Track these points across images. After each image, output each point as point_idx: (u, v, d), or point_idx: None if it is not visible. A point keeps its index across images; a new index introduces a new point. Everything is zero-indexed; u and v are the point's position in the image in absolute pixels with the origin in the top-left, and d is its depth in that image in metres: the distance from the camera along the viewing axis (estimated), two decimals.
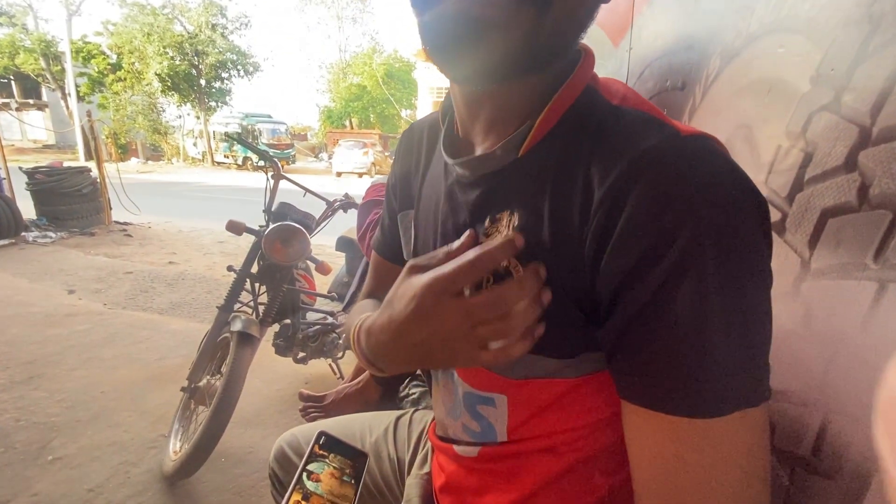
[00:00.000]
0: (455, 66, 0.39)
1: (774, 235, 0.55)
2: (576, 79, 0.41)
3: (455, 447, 0.58)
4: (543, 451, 0.50)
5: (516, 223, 0.42)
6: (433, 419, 0.68)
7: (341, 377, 2.38)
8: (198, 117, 21.91)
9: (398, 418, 0.87)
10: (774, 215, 0.55)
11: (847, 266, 0.46)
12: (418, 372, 1.18)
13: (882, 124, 0.42)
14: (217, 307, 1.91)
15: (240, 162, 20.19)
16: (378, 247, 0.69)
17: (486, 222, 0.45)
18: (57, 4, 21.05)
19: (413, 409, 0.89)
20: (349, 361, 2.49)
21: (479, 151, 0.47)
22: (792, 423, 0.52)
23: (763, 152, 0.57)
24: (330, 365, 2.42)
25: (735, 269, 0.33)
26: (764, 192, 0.57)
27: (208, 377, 1.84)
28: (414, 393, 1.15)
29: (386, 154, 22.38)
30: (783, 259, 0.54)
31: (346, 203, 2.31)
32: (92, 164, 6.76)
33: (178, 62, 20.06)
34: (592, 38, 1.13)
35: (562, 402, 0.47)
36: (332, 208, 2.31)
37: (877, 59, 0.43)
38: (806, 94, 0.50)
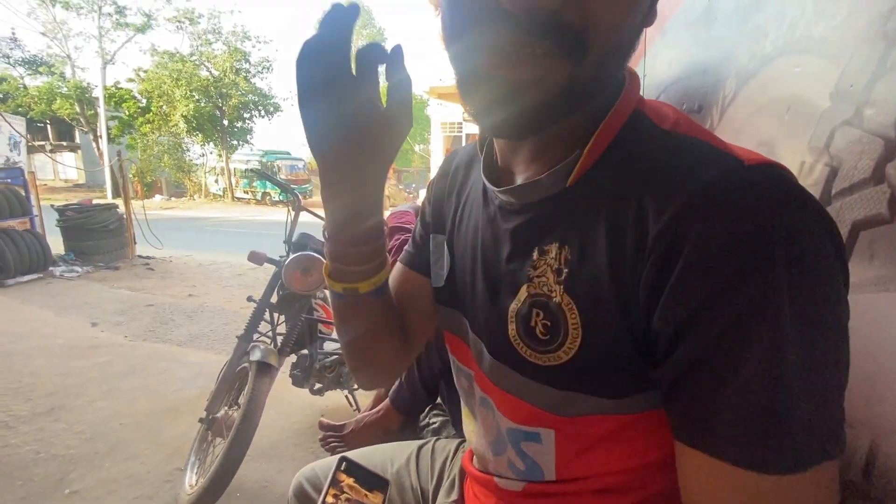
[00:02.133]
0: (495, 126, 0.39)
1: None
2: (623, 104, 0.40)
3: (496, 479, 0.55)
4: (594, 493, 0.47)
5: (568, 257, 0.41)
6: (468, 448, 0.66)
7: (357, 409, 2.35)
8: (220, 155, 22.78)
9: (420, 448, 0.85)
10: None
11: (884, 279, 0.45)
12: (439, 400, 1.17)
13: None
14: (237, 337, 1.93)
15: (259, 197, 20.77)
16: (405, 258, 0.67)
17: (535, 254, 0.43)
18: (93, 55, 22.52)
19: (435, 439, 0.87)
20: (366, 394, 2.46)
21: (520, 180, 0.46)
22: None
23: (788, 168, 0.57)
24: (346, 396, 2.40)
25: (814, 313, 0.31)
26: None
27: (226, 408, 1.83)
28: (435, 422, 1.13)
29: (400, 187, 22.80)
30: None
31: None
32: (119, 202, 7.03)
33: (203, 104, 21.10)
34: None
35: (613, 439, 0.44)
36: None
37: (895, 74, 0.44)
38: (826, 111, 0.51)
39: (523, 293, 0.44)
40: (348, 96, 0.40)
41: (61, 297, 4.97)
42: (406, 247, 0.68)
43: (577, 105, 0.37)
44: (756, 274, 0.31)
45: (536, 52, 0.33)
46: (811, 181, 0.53)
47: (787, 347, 0.31)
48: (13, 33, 22.51)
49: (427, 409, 1.16)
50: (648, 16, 0.39)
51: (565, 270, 0.41)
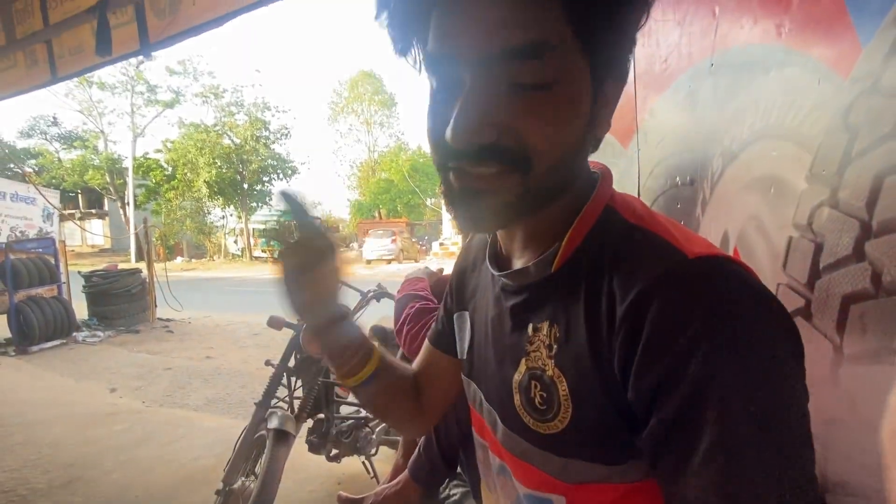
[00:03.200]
0: (468, 224, 0.46)
1: (803, 321, 0.57)
2: (594, 201, 0.46)
3: None
4: None
5: (557, 334, 0.45)
6: None
7: (375, 476, 2.28)
8: (239, 217, 23.65)
9: None
10: (798, 301, 0.57)
11: (878, 351, 0.47)
12: (459, 470, 1.15)
13: (879, 217, 0.46)
14: (255, 403, 1.93)
15: (276, 255, 21.23)
16: (431, 336, 0.73)
17: (530, 330, 0.48)
18: (125, 129, 24.23)
19: None
20: (383, 459, 2.40)
21: (518, 265, 0.52)
22: None
23: (776, 242, 0.60)
24: (363, 463, 2.33)
25: (758, 383, 0.33)
26: (783, 279, 0.60)
27: (243, 479, 1.81)
28: (455, 494, 1.10)
29: (413, 240, 23.18)
30: (816, 345, 0.55)
31: (380, 293, 2.39)
32: (142, 265, 7.28)
33: (224, 170, 22.24)
34: (603, 140, 1.25)
35: None
36: (366, 299, 2.39)
37: (861, 161, 0.48)
38: (805, 191, 0.55)
39: (523, 366, 0.49)
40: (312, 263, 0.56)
41: (82, 363, 5.04)
42: (433, 325, 0.72)
43: (534, 205, 0.43)
44: (697, 357, 0.33)
45: (487, 171, 0.39)
46: (800, 255, 0.56)
47: (737, 426, 0.33)
48: (54, 117, 24.38)
49: (447, 480, 1.14)
50: (596, 126, 0.44)
51: (555, 346, 0.45)
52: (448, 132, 0.38)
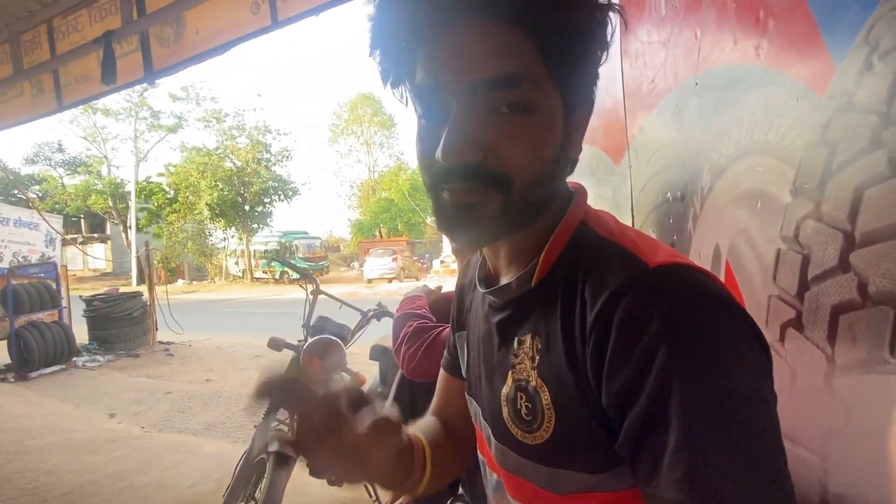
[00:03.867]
0: (461, 240, 0.49)
1: (795, 332, 0.58)
2: (569, 218, 0.49)
3: None
4: None
5: (539, 346, 0.47)
6: None
7: (377, 499, 2.24)
8: (241, 239, 23.75)
9: None
10: (789, 313, 0.58)
11: (869, 361, 0.48)
12: (461, 492, 1.13)
13: (862, 230, 0.47)
14: (255, 426, 1.91)
15: (277, 276, 21.25)
16: (444, 364, 0.74)
17: (515, 344, 0.50)
18: (128, 153, 24.55)
19: None
20: None
21: (503, 281, 0.54)
22: None
23: (765, 254, 0.62)
24: (365, 486, 2.30)
25: (718, 379, 0.34)
26: (774, 290, 0.60)
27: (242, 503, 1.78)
28: None
29: (414, 258, 23.20)
30: (808, 355, 0.55)
31: (380, 312, 2.39)
32: (143, 288, 7.28)
33: (226, 192, 22.42)
34: (596, 158, 1.28)
35: None
36: (366, 318, 2.38)
37: (841, 175, 0.50)
38: (790, 205, 0.57)
39: (510, 379, 0.50)
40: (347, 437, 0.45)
41: (82, 388, 5.00)
42: (444, 351, 0.74)
43: (517, 222, 0.45)
44: (659, 357, 0.35)
45: (473, 188, 0.43)
46: (789, 267, 0.57)
47: (699, 418, 0.34)
48: (59, 144, 24.75)
49: (449, 501, 1.13)
50: (570, 149, 0.47)
51: (537, 357, 0.47)
52: (439, 152, 0.42)
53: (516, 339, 0.50)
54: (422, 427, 0.68)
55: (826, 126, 0.51)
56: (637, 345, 0.37)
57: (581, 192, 0.52)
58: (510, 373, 0.50)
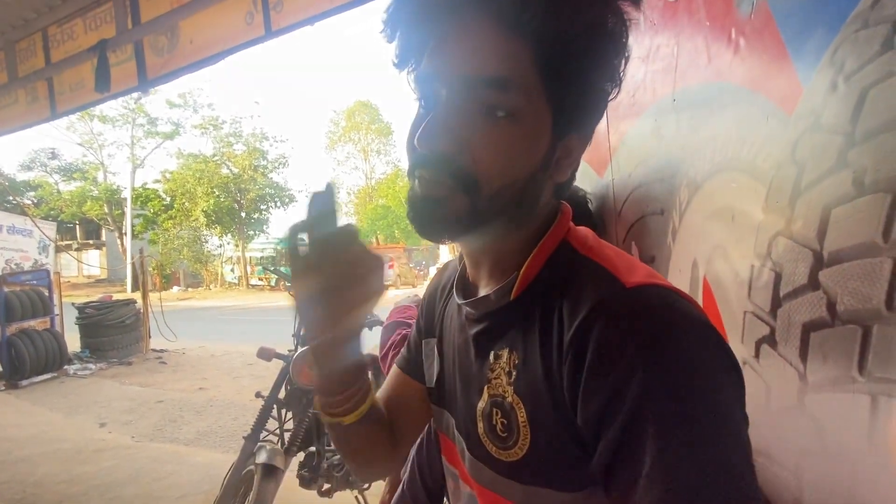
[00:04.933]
0: (422, 230, 0.48)
1: (769, 349, 0.58)
2: (552, 234, 0.49)
3: None
4: None
5: (516, 361, 0.47)
6: None
7: None
8: (236, 246, 23.68)
9: None
10: (763, 329, 0.58)
11: (839, 379, 0.48)
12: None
13: (829, 248, 0.48)
14: (244, 437, 1.90)
15: (273, 283, 21.18)
16: (401, 362, 0.72)
17: (491, 358, 0.49)
18: (124, 160, 24.54)
19: None
20: (376, 493, 2.33)
21: (482, 293, 0.53)
22: None
23: (741, 270, 0.62)
24: (356, 497, 2.27)
25: (691, 401, 0.34)
26: (749, 307, 0.61)
27: None
28: None
29: (410, 265, 23.17)
30: (781, 371, 0.55)
31: (372, 321, 2.38)
32: (137, 296, 7.23)
33: (222, 199, 22.39)
34: (581, 170, 1.28)
35: None
36: None
37: (809, 194, 0.50)
38: (762, 222, 0.57)
39: (485, 393, 0.50)
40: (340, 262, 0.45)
41: (73, 397, 4.95)
42: (402, 350, 0.72)
43: (481, 224, 0.45)
44: (635, 380, 0.35)
45: (440, 179, 0.43)
46: (762, 283, 0.57)
47: (673, 442, 0.34)
48: (52, 150, 24.66)
49: None
50: (553, 171, 0.47)
51: (514, 373, 0.46)
52: (416, 137, 0.43)
53: (492, 352, 0.50)
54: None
55: (795, 145, 0.52)
56: (614, 367, 0.37)
57: (566, 210, 0.52)
58: (486, 387, 0.50)
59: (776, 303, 0.55)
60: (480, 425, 0.50)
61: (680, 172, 0.74)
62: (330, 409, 0.55)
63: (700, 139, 0.69)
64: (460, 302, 0.55)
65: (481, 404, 0.50)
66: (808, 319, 0.51)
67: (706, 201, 0.68)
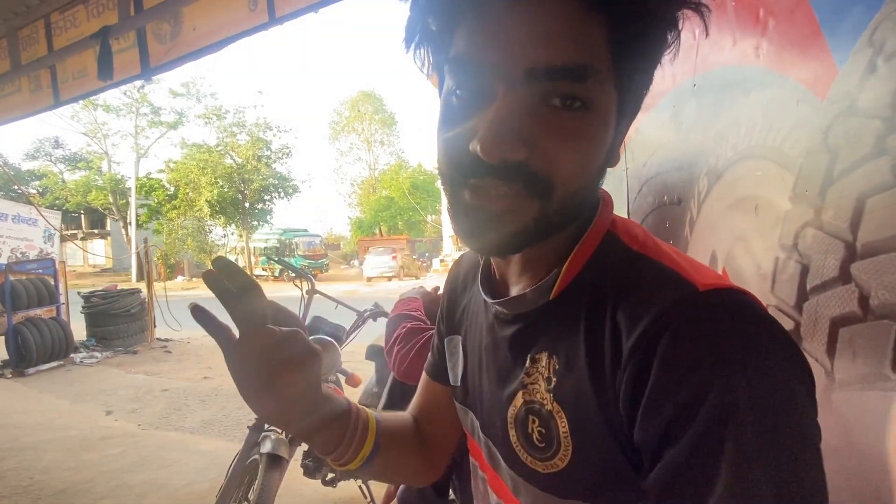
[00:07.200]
0: (479, 245, 0.43)
1: None
2: (596, 227, 0.44)
3: None
4: None
5: (556, 366, 0.43)
6: None
7: (372, 501, 2.23)
8: (240, 236, 23.74)
9: None
10: (787, 324, 0.56)
11: (869, 377, 0.46)
12: (452, 497, 1.12)
13: (863, 240, 0.45)
14: (248, 426, 1.90)
15: (277, 274, 21.26)
16: (429, 368, 0.69)
17: (528, 362, 0.46)
18: (128, 150, 24.52)
19: None
20: (381, 483, 2.34)
21: (514, 291, 0.49)
22: None
23: (763, 262, 0.60)
24: (360, 487, 2.28)
25: (774, 424, 0.31)
26: (772, 300, 0.58)
27: None
28: None
29: (413, 257, 23.19)
30: None
31: (376, 312, 2.37)
32: (142, 285, 7.27)
33: (226, 189, 22.40)
34: None
35: None
36: (362, 318, 2.37)
37: (843, 182, 0.48)
38: (789, 211, 0.55)
39: (519, 399, 0.46)
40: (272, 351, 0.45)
41: (78, 385, 4.99)
42: (430, 356, 0.70)
43: (548, 232, 0.41)
44: (712, 395, 0.32)
45: (510, 191, 0.38)
46: (787, 276, 0.55)
47: (753, 464, 0.31)
48: (56, 139, 24.68)
49: None
50: (611, 158, 0.43)
51: (554, 379, 0.42)
52: (475, 144, 0.36)
53: (529, 356, 0.46)
54: (385, 414, 0.63)
55: (827, 131, 0.49)
56: (687, 380, 0.33)
57: (608, 198, 0.47)
58: (520, 393, 0.46)
59: (802, 296, 0.53)
60: (513, 433, 0.46)
61: (700, 161, 0.72)
62: (335, 461, 0.54)
63: (722, 126, 0.66)
64: (490, 301, 0.51)
65: (513, 410, 0.46)
66: (838, 314, 0.49)
67: (727, 190, 0.66)
